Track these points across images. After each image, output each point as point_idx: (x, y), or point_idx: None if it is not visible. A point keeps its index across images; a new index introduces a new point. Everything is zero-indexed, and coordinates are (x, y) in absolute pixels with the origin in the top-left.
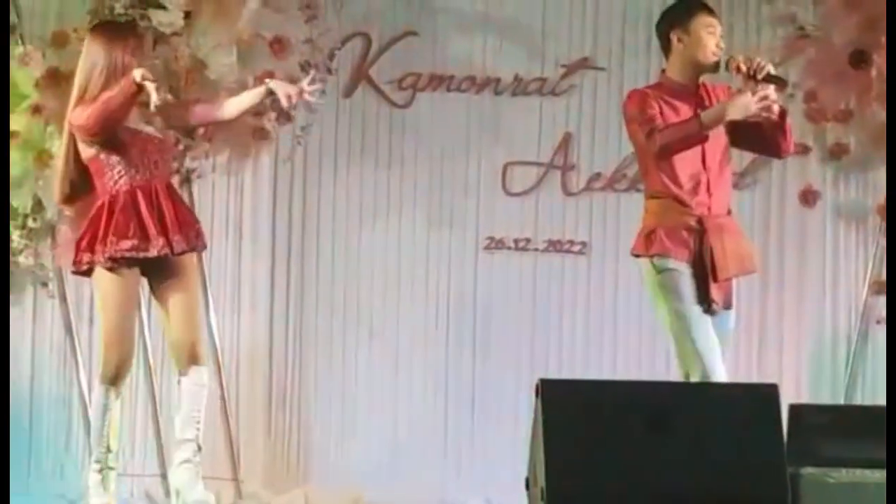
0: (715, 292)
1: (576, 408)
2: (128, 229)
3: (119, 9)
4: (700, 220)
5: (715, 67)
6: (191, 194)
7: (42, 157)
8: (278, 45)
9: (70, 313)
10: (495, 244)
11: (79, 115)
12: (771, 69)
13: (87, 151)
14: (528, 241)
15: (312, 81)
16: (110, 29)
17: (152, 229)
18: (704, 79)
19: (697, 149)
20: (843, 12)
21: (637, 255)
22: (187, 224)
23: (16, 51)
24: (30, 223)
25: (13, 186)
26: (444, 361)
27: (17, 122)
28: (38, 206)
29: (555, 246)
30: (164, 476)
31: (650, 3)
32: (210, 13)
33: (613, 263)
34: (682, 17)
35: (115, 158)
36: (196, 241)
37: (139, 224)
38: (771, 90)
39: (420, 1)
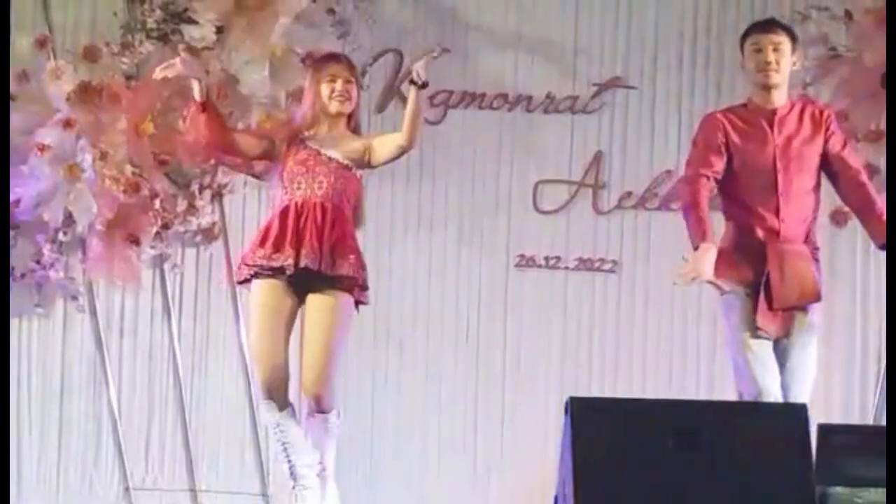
0: (765, 320)
1: (605, 425)
2: (267, 240)
3: (151, 23)
4: (762, 245)
5: (766, 87)
6: (222, 209)
7: (73, 171)
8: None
9: (100, 327)
10: (526, 262)
11: None
12: None
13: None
14: (558, 259)
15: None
16: (321, 60)
17: (287, 242)
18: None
19: (769, 171)
20: (876, 33)
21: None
22: (338, 251)
23: (47, 65)
24: (60, 237)
25: (43, 200)
26: (474, 379)
27: (48, 135)
28: (69, 219)
29: (585, 264)
30: (192, 490)
31: (682, 23)
32: (242, 28)
33: (644, 282)
34: (742, 40)
35: (284, 177)
36: (341, 271)
37: (280, 234)
38: None
39: (452, 18)
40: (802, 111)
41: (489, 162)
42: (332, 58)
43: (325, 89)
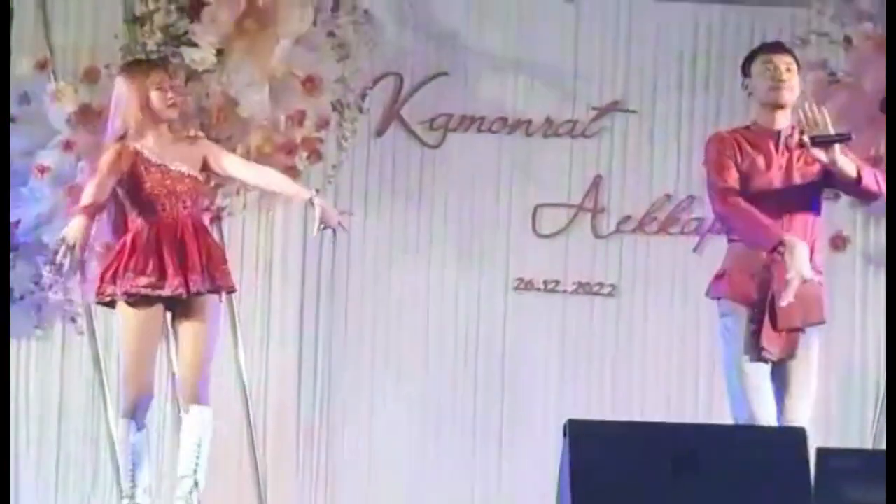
0: (770, 341)
1: (603, 448)
2: (146, 266)
3: (151, 45)
4: (768, 266)
5: (777, 105)
6: (221, 232)
7: (73, 193)
8: (310, 84)
9: (99, 349)
10: (525, 285)
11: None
12: (823, 129)
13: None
14: (557, 282)
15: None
16: (141, 66)
17: (170, 268)
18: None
19: (775, 192)
20: (875, 58)
21: (714, 298)
22: (212, 265)
23: (48, 86)
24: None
25: (43, 222)
26: (472, 401)
27: (49, 157)
28: None
29: (584, 288)
30: None
31: (681, 46)
32: (242, 51)
33: (642, 306)
34: (748, 62)
35: (141, 199)
36: (219, 283)
37: (158, 262)
38: (820, 154)
39: (452, 42)
40: (803, 133)
41: (488, 185)
42: (154, 64)
43: (155, 96)
